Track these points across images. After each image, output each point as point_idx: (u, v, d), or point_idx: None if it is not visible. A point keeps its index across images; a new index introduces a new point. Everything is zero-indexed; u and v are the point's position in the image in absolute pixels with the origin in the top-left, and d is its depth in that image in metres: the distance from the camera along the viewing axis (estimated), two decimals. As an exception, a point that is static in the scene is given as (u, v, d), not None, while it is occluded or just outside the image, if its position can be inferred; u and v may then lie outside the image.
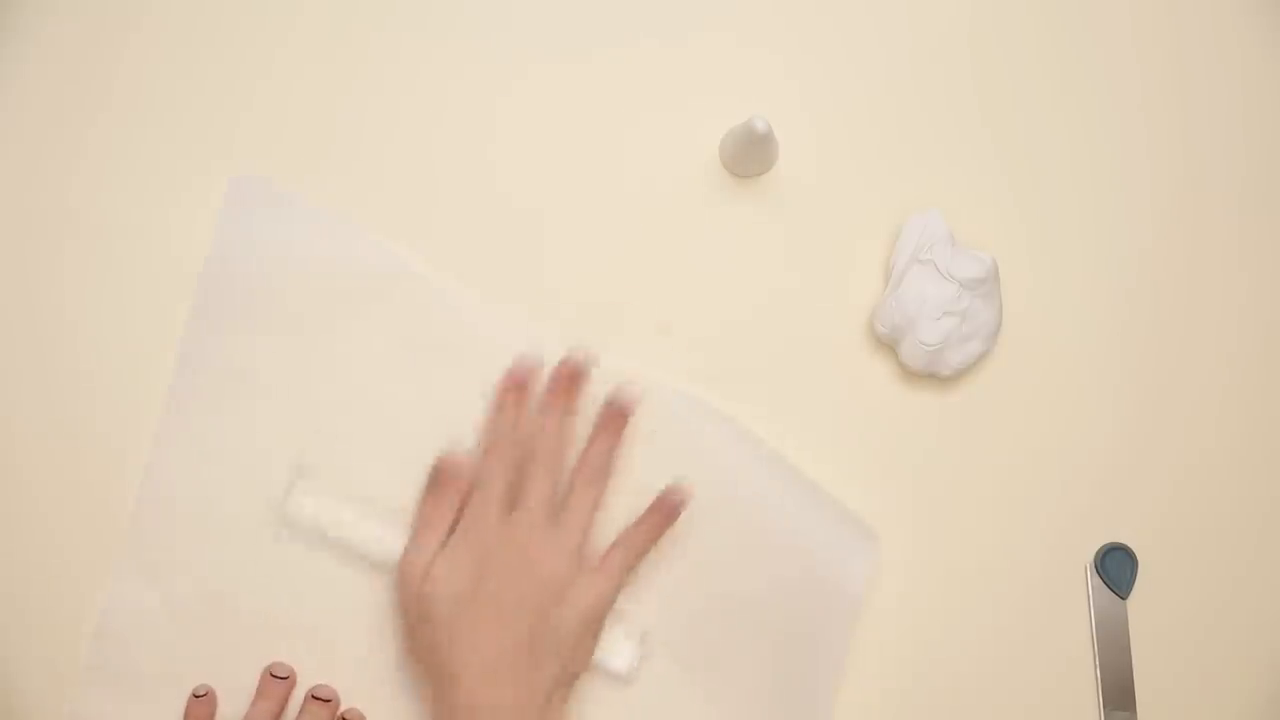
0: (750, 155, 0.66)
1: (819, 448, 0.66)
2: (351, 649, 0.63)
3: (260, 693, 0.62)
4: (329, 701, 0.62)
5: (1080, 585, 0.66)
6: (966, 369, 0.66)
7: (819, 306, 0.67)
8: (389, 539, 0.63)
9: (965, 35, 0.70)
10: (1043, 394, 0.67)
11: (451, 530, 0.61)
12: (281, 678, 0.62)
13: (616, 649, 0.63)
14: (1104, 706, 0.65)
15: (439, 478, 0.62)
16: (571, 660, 0.60)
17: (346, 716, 0.62)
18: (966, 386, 0.67)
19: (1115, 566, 0.66)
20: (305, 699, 0.62)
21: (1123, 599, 0.66)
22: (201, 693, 0.62)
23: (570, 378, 0.63)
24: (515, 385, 0.63)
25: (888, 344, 0.66)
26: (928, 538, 0.66)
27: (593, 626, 0.60)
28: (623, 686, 0.63)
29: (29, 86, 0.67)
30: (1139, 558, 0.66)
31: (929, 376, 0.66)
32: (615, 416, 0.63)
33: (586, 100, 0.68)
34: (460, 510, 0.61)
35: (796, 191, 0.68)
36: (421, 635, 0.60)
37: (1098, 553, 0.66)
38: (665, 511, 0.63)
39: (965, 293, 0.64)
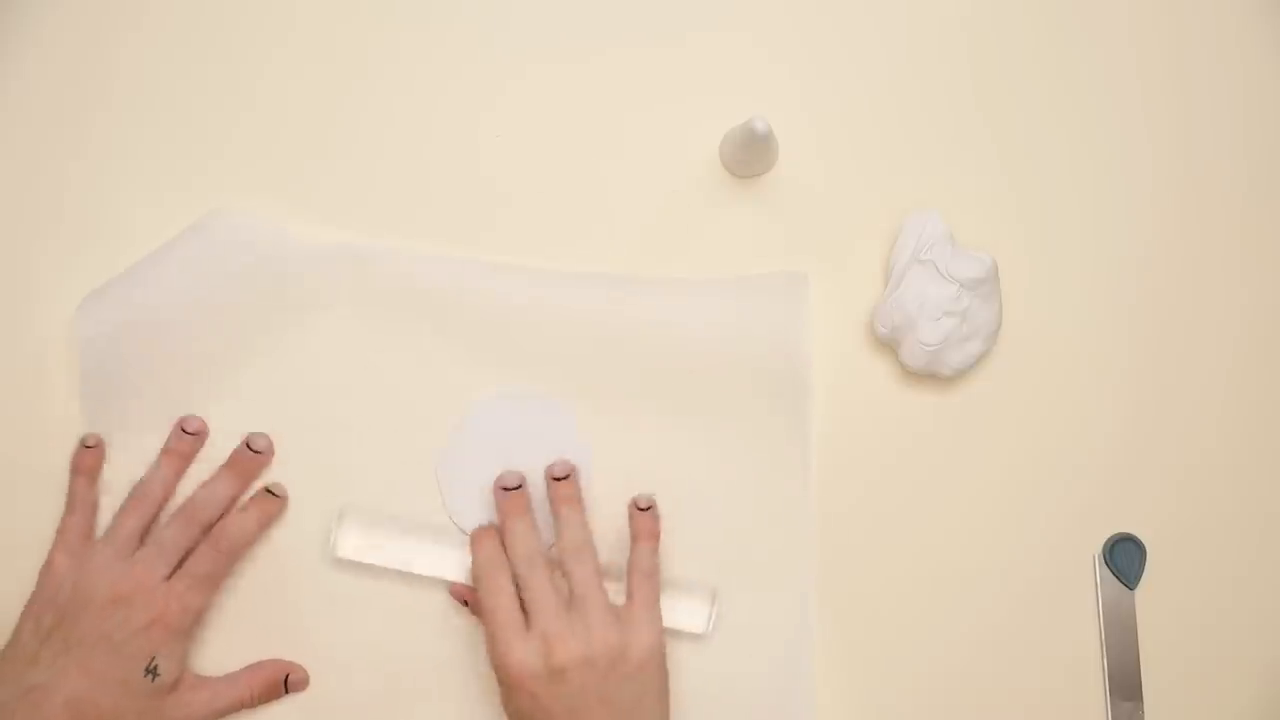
0: (750, 155, 0.66)
1: (819, 448, 0.66)
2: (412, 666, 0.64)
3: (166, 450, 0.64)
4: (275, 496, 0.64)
5: (1089, 576, 0.66)
6: (966, 369, 0.66)
7: (819, 307, 0.67)
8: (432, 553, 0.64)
9: (965, 35, 0.69)
10: (1044, 392, 0.67)
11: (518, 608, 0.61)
12: (191, 433, 0.64)
13: (694, 611, 0.64)
14: (1110, 696, 0.65)
15: (483, 573, 0.62)
16: (662, 699, 0.60)
17: (292, 675, 0.63)
18: (966, 386, 0.67)
19: (1124, 557, 0.66)
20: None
21: (1131, 589, 0.66)
22: (92, 443, 0.64)
23: (555, 480, 0.64)
24: (510, 500, 0.63)
25: (888, 344, 0.66)
26: (932, 535, 0.66)
27: (662, 662, 0.60)
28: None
29: (29, 86, 0.67)
30: (1148, 549, 0.66)
31: (929, 376, 0.66)
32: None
33: (586, 100, 0.68)
34: (518, 594, 0.61)
35: (796, 191, 0.68)
36: None
37: (1106, 543, 0.66)
38: (650, 523, 0.63)
39: (965, 293, 0.64)
